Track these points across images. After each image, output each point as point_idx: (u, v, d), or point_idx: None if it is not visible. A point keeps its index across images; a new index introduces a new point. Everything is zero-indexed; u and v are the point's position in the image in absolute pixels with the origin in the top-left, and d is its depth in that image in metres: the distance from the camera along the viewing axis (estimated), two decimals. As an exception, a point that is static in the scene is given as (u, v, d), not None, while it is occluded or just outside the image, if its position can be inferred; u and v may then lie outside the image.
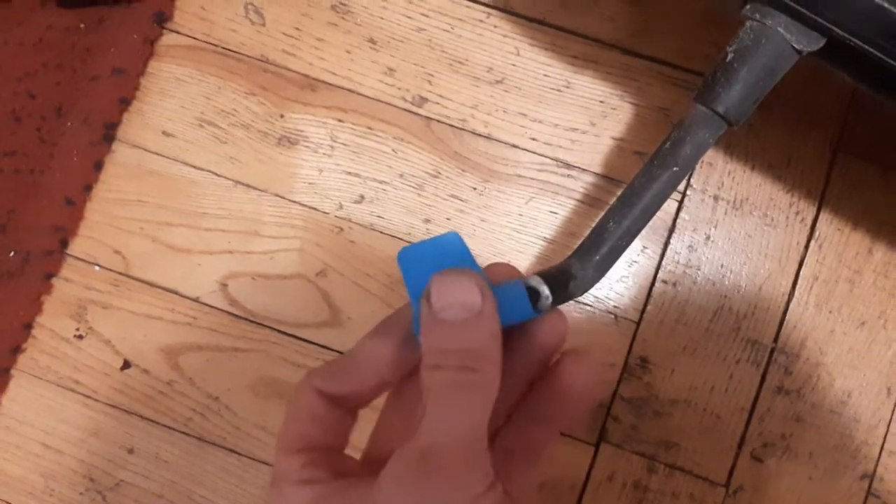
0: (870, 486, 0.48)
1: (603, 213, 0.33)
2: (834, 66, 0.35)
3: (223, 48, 0.53)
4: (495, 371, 0.22)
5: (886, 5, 0.30)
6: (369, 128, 0.52)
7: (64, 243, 0.52)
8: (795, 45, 0.32)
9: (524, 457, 0.27)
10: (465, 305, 0.21)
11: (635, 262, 0.50)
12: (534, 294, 0.28)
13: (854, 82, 0.35)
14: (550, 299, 0.28)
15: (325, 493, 0.23)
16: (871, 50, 0.31)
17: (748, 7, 0.33)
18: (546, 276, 0.29)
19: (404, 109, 0.52)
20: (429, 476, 0.21)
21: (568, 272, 0.31)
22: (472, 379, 0.21)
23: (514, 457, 0.26)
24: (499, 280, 0.27)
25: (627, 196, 0.33)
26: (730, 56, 0.33)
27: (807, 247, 0.49)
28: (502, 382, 0.27)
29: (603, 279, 0.49)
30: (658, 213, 0.50)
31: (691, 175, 0.50)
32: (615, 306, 0.50)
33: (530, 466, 0.26)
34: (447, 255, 0.27)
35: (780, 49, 0.32)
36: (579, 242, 0.32)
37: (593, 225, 0.33)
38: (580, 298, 0.50)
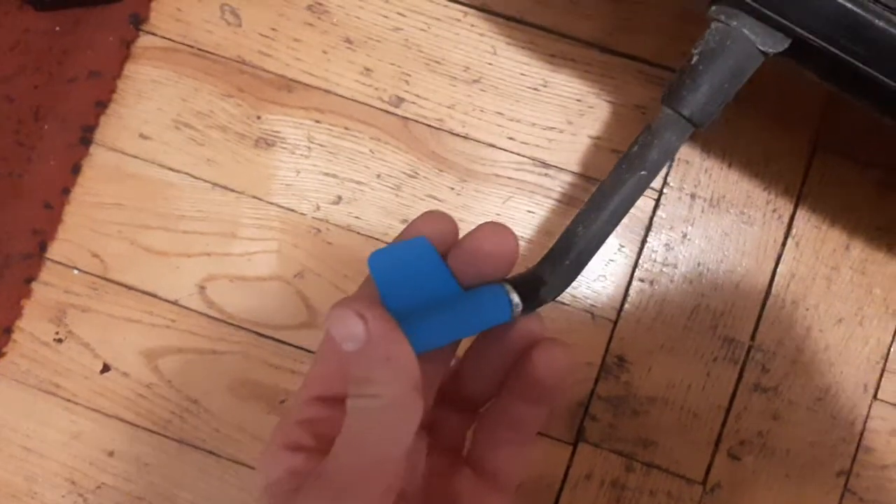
0: (846, 483, 0.48)
1: (572, 218, 0.33)
2: (801, 66, 0.34)
3: (199, 49, 0.53)
4: (399, 393, 0.22)
5: (849, 6, 0.30)
6: (346, 128, 0.52)
7: (43, 247, 0.52)
8: (761, 47, 0.32)
9: (510, 433, 0.27)
10: (350, 336, 0.22)
11: (612, 260, 0.50)
12: (503, 302, 0.28)
13: (821, 82, 0.35)
14: (521, 307, 0.28)
15: (298, 467, 0.23)
16: (834, 50, 0.30)
17: (713, 8, 0.33)
18: (516, 282, 0.29)
19: (381, 109, 0.52)
20: (334, 499, 0.21)
21: (538, 278, 0.32)
22: (373, 404, 0.22)
23: (500, 432, 0.27)
24: (483, 275, 0.27)
25: (596, 200, 0.33)
26: (695, 58, 0.33)
27: (784, 244, 0.49)
28: (476, 378, 0.28)
29: (580, 278, 0.49)
30: (634, 212, 0.50)
31: (668, 173, 0.50)
32: (592, 305, 0.50)
33: (517, 444, 0.27)
34: (416, 259, 0.27)
35: (746, 50, 0.32)
36: (549, 247, 0.32)
37: (563, 229, 0.33)
38: (557, 297, 0.50)
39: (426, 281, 0.26)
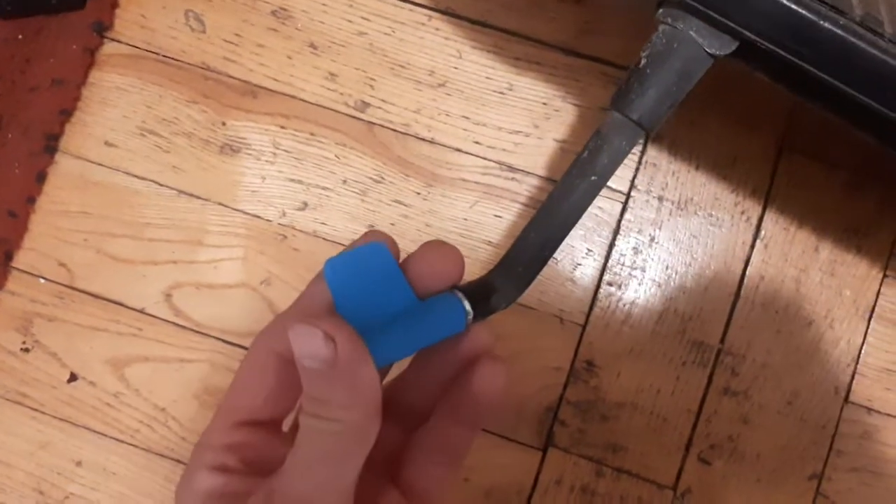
0: (818, 487, 0.48)
1: (525, 225, 0.32)
2: (751, 68, 0.34)
3: (164, 56, 0.52)
4: (360, 418, 0.21)
5: (793, 6, 0.29)
6: (312, 134, 0.51)
7: (8, 256, 0.52)
8: (708, 49, 0.32)
9: (441, 456, 0.27)
10: (317, 357, 0.20)
11: (580, 264, 0.50)
12: (454, 308, 0.28)
13: (772, 83, 0.34)
14: (472, 314, 0.28)
15: (228, 489, 0.23)
16: (781, 52, 0.30)
17: (661, 11, 0.33)
18: (467, 290, 0.28)
19: (346, 115, 0.51)
20: None
21: (490, 285, 0.31)
22: (331, 428, 0.21)
23: (432, 455, 0.26)
24: (436, 285, 0.27)
25: (548, 207, 0.32)
26: (643, 61, 0.32)
27: (752, 246, 0.49)
28: (419, 387, 0.27)
29: (548, 283, 0.49)
30: (601, 215, 0.50)
31: (635, 175, 0.50)
32: (560, 309, 0.49)
33: (447, 466, 0.27)
34: (372, 266, 0.26)
35: (693, 53, 0.32)
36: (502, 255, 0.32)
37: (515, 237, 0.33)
38: (525, 302, 0.49)
39: (382, 289, 0.26)
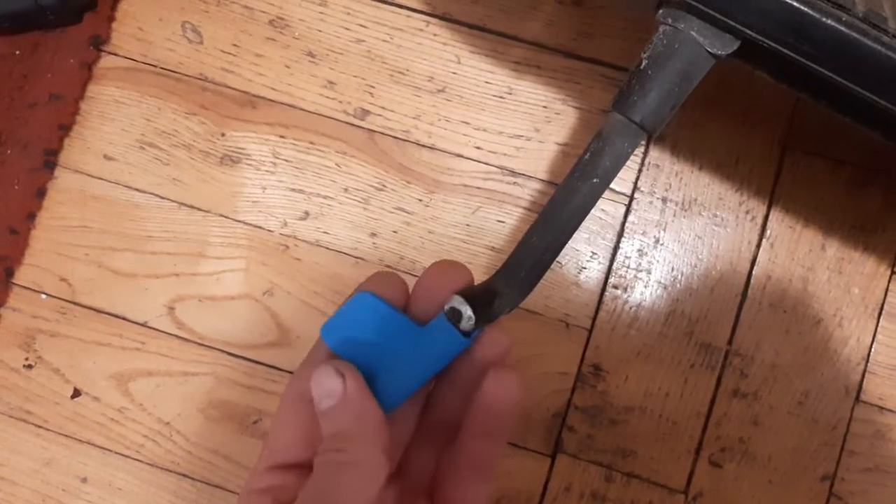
0: (831, 488, 0.47)
1: (527, 229, 0.32)
2: (753, 67, 0.34)
3: (162, 68, 0.52)
4: (367, 450, 0.23)
5: (795, 4, 0.29)
6: (311, 143, 0.51)
7: (9, 273, 0.51)
8: (710, 49, 0.31)
9: (470, 472, 0.27)
10: (330, 393, 0.23)
11: (585, 268, 0.49)
12: (455, 314, 0.28)
13: (775, 82, 0.34)
14: (473, 320, 0.27)
15: None
16: (784, 50, 0.30)
17: (661, 11, 0.32)
18: (468, 295, 0.28)
19: (346, 123, 0.51)
20: None
21: (492, 290, 0.31)
22: (340, 459, 0.23)
23: (462, 471, 0.27)
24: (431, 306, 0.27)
25: (550, 210, 0.32)
26: (644, 63, 0.32)
27: (758, 246, 0.48)
28: (447, 400, 0.27)
29: (553, 287, 0.48)
30: (605, 218, 0.49)
31: (638, 177, 0.49)
32: (566, 314, 0.49)
33: (478, 482, 0.27)
34: (365, 314, 0.27)
35: (695, 53, 0.31)
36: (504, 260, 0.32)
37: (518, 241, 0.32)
38: (530, 307, 0.49)
39: (379, 333, 0.26)
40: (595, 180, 0.32)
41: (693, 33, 0.31)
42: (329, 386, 0.23)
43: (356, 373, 0.24)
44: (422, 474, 0.28)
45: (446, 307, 0.27)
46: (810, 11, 0.29)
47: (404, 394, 0.26)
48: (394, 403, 0.25)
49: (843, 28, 0.29)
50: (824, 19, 0.29)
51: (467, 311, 0.27)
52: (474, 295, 0.29)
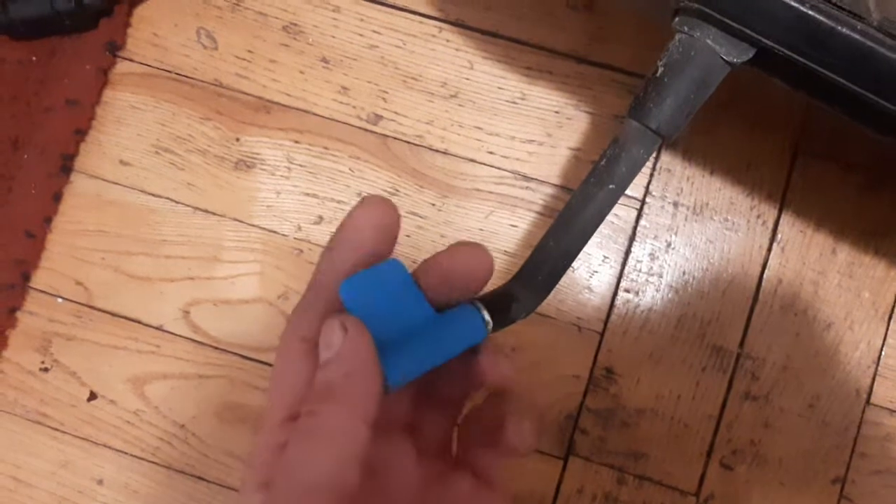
0: (842, 490, 0.47)
1: (543, 234, 0.33)
2: (768, 75, 0.34)
3: (177, 74, 0.53)
4: (341, 417, 0.21)
5: (810, 13, 0.29)
6: (325, 148, 0.51)
7: (26, 276, 0.52)
8: (725, 57, 0.32)
9: (488, 482, 0.27)
10: (329, 344, 0.22)
11: (596, 272, 0.49)
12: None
13: (790, 89, 0.34)
14: (491, 324, 0.28)
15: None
16: (799, 58, 0.30)
17: (677, 20, 0.33)
18: (486, 300, 0.28)
19: (360, 128, 0.51)
20: None
21: (509, 295, 0.31)
22: (310, 424, 0.21)
23: (485, 436, 0.27)
24: (455, 293, 0.27)
25: (566, 216, 0.33)
26: (660, 70, 0.32)
27: (769, 250, 0.49)
28: (449, 375, 0.27)
29: (566, 291, 0.49)
30: (617, 222, 0.50)
31: (650, 182, 0.50)
32: (578, 317, 0.49)
33: (496, 490, 0.27)
34: (389, 282, 0.26)
35: (710, 61, 0.32)
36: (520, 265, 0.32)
37: (534, 247, 0.33)
38: (543, 311, 0.49)
39: (399, 306, 0.26)
40: (611, 186, 0.32)
41: (709, 41, 0.32)
42: (330, 338, 0.22)
43: (364, 332, 0.23)
44: (435, 435, 0.28)
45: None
46: (826, 20, 0.29)
47: (412, 374, 0.25)
48: (399, 380, 0.24)
49: (858, 37, 0.29)
50: (840, 28, 0.29)
51: (485, 316, 0.28)
52: (492, 300, 0.29)
